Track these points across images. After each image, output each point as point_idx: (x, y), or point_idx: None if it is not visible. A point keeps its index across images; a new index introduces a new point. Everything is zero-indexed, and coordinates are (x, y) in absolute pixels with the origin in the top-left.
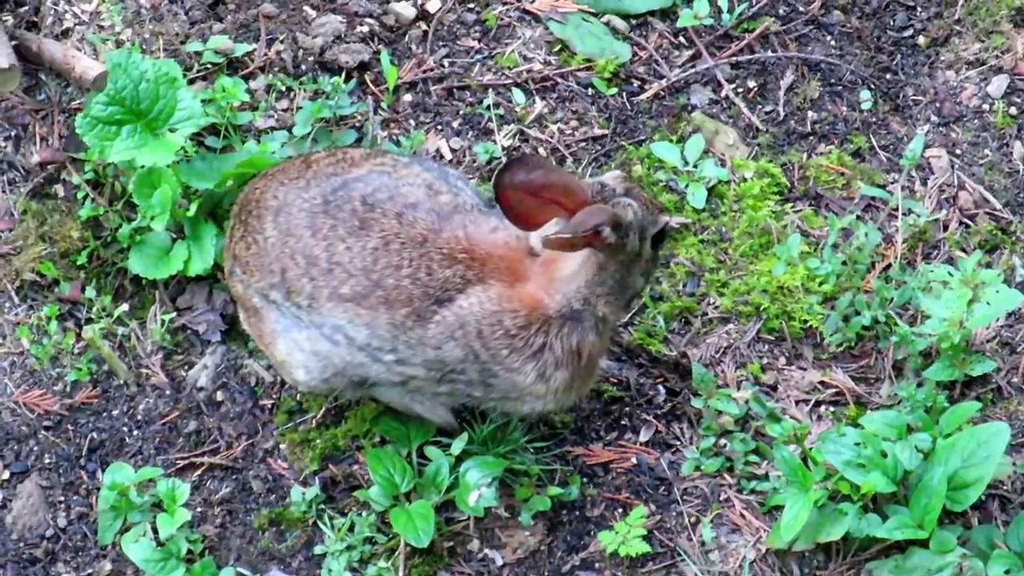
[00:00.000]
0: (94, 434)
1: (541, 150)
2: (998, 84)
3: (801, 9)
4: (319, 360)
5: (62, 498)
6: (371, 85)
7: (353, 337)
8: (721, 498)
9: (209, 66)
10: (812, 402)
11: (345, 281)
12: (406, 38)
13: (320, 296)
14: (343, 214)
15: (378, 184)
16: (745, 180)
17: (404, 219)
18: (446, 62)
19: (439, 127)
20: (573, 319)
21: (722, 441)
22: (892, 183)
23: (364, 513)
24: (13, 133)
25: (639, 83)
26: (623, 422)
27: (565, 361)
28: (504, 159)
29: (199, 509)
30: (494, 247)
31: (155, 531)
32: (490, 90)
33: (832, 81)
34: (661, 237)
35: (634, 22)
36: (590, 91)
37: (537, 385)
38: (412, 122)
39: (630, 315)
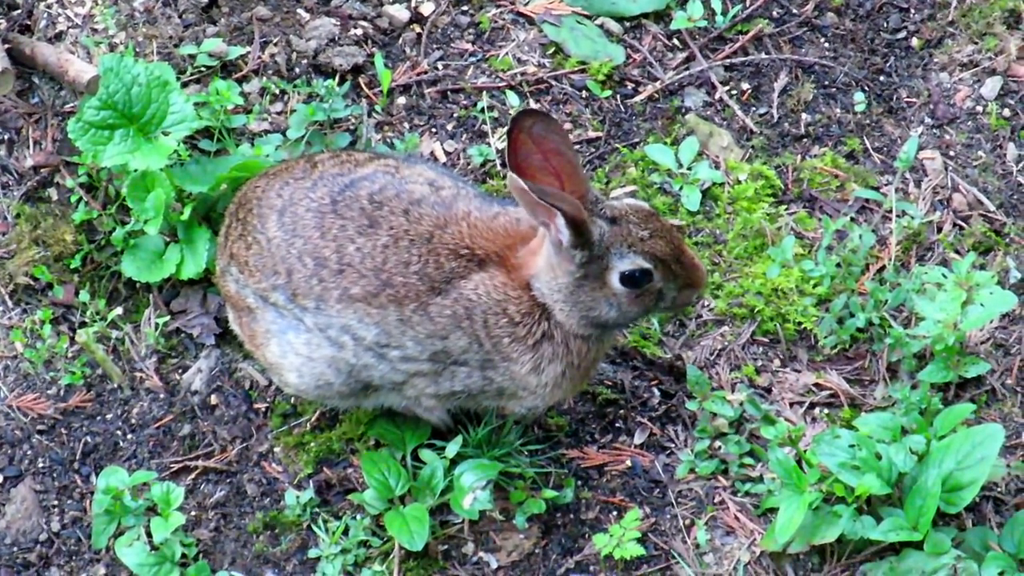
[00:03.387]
0: (88, 438)
1: None
2: (991, 86)
3: (795, 11)
4: (315, 366)
5: (56, 502)
6: (365, 88)
7: (362, 337)
8: (716, 500)
9: (203, 69)
10: (806, 404)
11: (356, 281)
12: (400, 41)
13: (329, 298)
14: (352, 213)
15: (384, 182)
16: (739, 182)
17: (411, 215)
18: (440, 65)
19: (433, 130)
20: (567, 315)
21: (717, 443)
22: (886, 185)
23: (358, 516)
24: (6, 137)
25: (633, 85)
26: (617, 425)
27: (560, 354)
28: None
29: (193, 513)
30: (495, 237)
31: (149, 535)
32: (484, 93)
33: (826, 83)
34: (635, 281)
35: (628, 24)
36: (584, 94)
37: (530, 377)
38: (406, 125)
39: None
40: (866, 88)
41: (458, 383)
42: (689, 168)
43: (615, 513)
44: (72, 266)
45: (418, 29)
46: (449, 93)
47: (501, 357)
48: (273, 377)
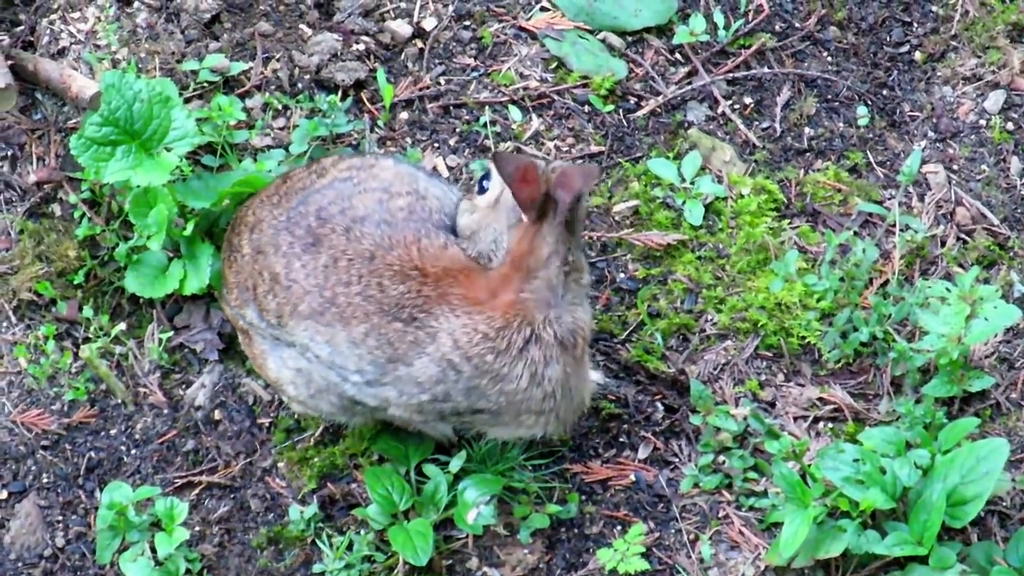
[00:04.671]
0: (92, 453)
1: None
2: (995, 99)
3: (797, 25)
4: (303, 376)
5: (60, 518)
6: (367, 103)
7: (319, 355)
8: (720, 515)
9: (205, 85)
10: (810, 418)
11: (302, 298)
12: (402, 56)
13: (284, 313)
14: (300, 231)
15: (334, 196)
16: (742, 196)
17: (351, 234)
18: (442, 80)
19: (435, 144)
20: (556, 304)
21: (721, 458)
22: (889, 199)
23: (362, 531)
24: (9, 153)
25: (635, 100)
26: (621, 439)
27: (554, 355)
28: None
29: (197, 528)
30: (450, 263)
31: (153, 550)
32: (486, 107)
33: (829, 97)
34: None
35: (630, 39)
36: (586, 108)
37: (533, 390)
38: (409, 140)
39: (627, 331)
40: (869, 102)
41: (448, 410)
42: (692, 182)
43: (619, 528)
44: (75, 282)
45: (420, 44)
46: (451, 108)
47: (491, 378)
48: (280, 394)
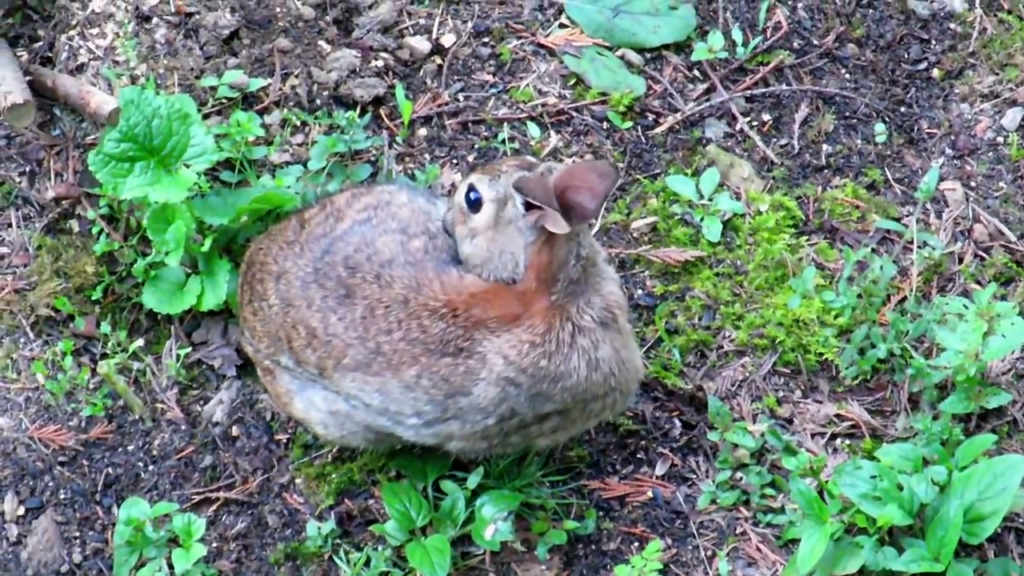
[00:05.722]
0: (109, 469)
1: None
2: (1012, 116)
3: (816, 42)
4: (337, 419)
5: (77, 533)
6: (386, 119)
7: (369, 404)
8: (737, 531)
9: (224, 101)
10: (828, 435)
11: (345, 351)
12: (421, 72)
13: (327, 366)
14: (330, 283)
15: (358, 242)
16: (760, 213)
17: (382, 280)
18: (461, 96)
19: (454, 161)
20: (583, 292)
21: (738, 474)
22: (907, 216)
23: (380, 547)
24: (28, 168)
25: (654, 116)
26: (639, 455)
27: (599, 337)
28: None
29: (215, 544)
30: (474, 288)
31: (171, 566)
32: (505, 124)
33: (847, 114)
34: None
35: (649, 56)
36: (605, 125)
37: (592, 376)
38: (427, 156)
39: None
40: (887, 119)
41: (514, 426)
42: (710, 199)
43: (636, 544)
44: (93, 297)
45: (439, 60)
46: (470, 124)
47: (551, 380)
48: (307, 429)
